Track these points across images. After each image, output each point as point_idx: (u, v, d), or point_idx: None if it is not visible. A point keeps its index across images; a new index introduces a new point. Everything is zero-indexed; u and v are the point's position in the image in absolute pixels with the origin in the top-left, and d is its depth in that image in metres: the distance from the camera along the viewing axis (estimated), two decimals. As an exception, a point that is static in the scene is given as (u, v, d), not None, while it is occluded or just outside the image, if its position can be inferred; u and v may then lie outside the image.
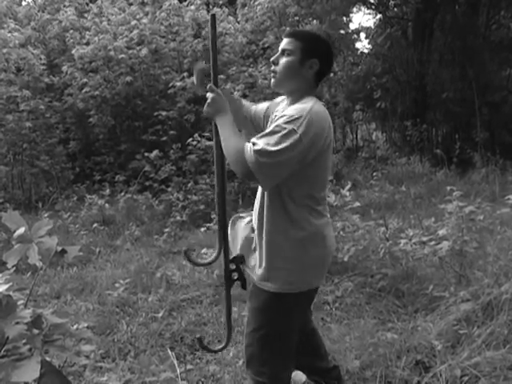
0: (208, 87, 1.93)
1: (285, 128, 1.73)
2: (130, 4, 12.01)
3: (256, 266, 1.93)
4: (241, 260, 2.02)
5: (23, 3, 13.51)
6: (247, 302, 2.05)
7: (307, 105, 1.82)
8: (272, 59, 1.98)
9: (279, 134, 1.73)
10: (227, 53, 11.38)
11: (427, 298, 3.57)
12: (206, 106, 1.93)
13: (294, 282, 1.88)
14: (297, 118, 1.75)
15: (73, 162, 10.76)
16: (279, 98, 2.19)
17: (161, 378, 2.74)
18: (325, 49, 1.98)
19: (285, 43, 1.95)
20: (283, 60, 1.93)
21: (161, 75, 10.68)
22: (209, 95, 1.92)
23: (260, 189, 1.94)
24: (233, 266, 2.01)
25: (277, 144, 1.71)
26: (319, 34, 2.16)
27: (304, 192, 1.88)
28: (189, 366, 2.96)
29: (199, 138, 8.23)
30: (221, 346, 2.18)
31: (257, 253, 1.94)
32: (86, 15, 11.83)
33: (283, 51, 1.95)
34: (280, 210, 1.86)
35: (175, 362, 2.93)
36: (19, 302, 1.41)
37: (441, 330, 2.98)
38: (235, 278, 2.00)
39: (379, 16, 15.14)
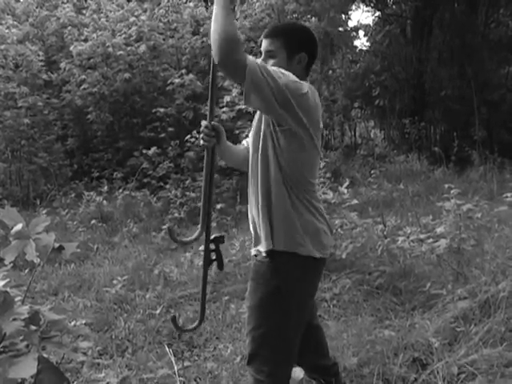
0: None
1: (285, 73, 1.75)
2: (129, 0, 11.99)
3: (262, 237, 1.91)
4: (221, 240, 2.03)
5: (21, -1, 13.47)
6: (246, 300, 2.04)
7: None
8: None
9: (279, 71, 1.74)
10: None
11: (425, 296, 3.57)
12: None
13: (292, 240, 1.87)
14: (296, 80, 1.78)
15: (71, 158, 10.74)
16: None
17: (158, 375, 2.74)
18: (307, 38, 1.96)
19: (267, 45, 1.92)
20: (270, 63, 1.89)
21: (159, 72, 10.66)
22: None
23: (259, 175, 1.90)
24: (212, 247, 2.03)
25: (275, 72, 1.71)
26: (297, 23, 2.14)
27: (301, 174, 1.89)
28: (186, 363, 2.97)
29: (197, 135, 8.22)
30: (193, 326, 2.23)
31: (261, 226, 1.91)
32: (84, 12, 11.80)
33: (267, 53, 1.92)
34: (284, 190, 1.87)
35: (173, 358, 2.93)
36: (17, 299, 1.41)
37: (438, 328, 2.98)
38: (213, 258, 2.04)
39: (378, 13, 15.15)
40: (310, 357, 2.24)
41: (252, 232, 2.00)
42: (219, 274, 4.46)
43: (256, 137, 1.95)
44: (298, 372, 2.49)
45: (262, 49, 1.94)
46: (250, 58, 1.67)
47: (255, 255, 1.97)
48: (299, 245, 1.87)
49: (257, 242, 1.95)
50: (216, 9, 1.69)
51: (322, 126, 1.94)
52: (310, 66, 1.97)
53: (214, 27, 1.66)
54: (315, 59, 2.01)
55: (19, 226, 1.40)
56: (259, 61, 1.72)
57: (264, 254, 1.90)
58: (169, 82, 9.74)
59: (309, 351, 2.20)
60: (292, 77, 1.77)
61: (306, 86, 1.80)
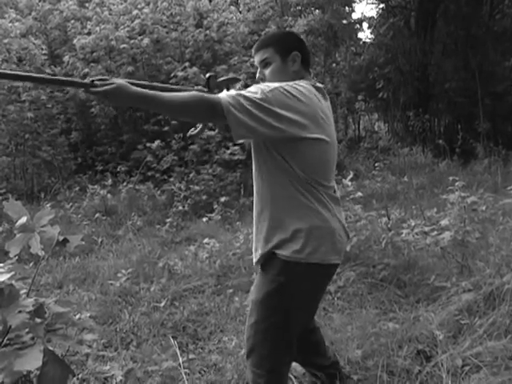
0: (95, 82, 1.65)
1: (257, 88, 1.75)
2: (132, -7, 11.96)
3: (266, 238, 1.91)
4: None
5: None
6: (250, 293, 2.04)
7: (289, 82, 1.83)
8: (258, 78, 2.01)
9: (254, 90, 1.74)
10: (229, 43, 11.33)
11: (429, 288, 3.57)
12: (106, 101, 1.72)
13: (301, 251, 1.83)
14: (271, 86, 1.76)
15: (75, 152, 10.76)
16: None
17: (163, 367, 2.75)
18: (294, 38, 2.03)
19: (260, 56, 1.98)
20: (268, 70, 1.97)
21: (162, 65, 10.65)
22: (99, 91, 1.64)
23: (266, 176, 1.90)
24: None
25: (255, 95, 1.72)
26: (279, 30, 2.17)
27: (307, 172, 1.85)
28: (191, 356, 2.98)
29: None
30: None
31: (266, 225, 1.91)
32: (87, 5, 11.77)
33: (262, 62, 1.98)
34: (293, 194, 1.85)
35: (177, 351, 2.94)
36: (22, 292, 1.41)
37: (442, 320, 2.98)
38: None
39: (382, 5, 15.08)
40: (307, 357, 2.30)
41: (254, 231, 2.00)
42: (222, 268, 4.48)
43: (255, 155, 1.97)
44: (299, 367, 2.51)
45: (257, 62, 2.01)
46: (221, 96, 1.70)
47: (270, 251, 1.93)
48: (308, 253, 1.84)
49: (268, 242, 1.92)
50: (156, 108, 1.78)
51: (325, 117, 1.90)
52: (306, 61, 2.00)
53: (174, 114, 1.84)
54: (308, 54, 2.05)
55: (24, 219, 1.40)
56: (231, 92, 1.72)
57: (273, 251, 1.89)
58: (172, 75, 9.71)
59: (306, 352, 2.25)
60: (267, 86, 1.77)
61: (286, 86, 1.78)
